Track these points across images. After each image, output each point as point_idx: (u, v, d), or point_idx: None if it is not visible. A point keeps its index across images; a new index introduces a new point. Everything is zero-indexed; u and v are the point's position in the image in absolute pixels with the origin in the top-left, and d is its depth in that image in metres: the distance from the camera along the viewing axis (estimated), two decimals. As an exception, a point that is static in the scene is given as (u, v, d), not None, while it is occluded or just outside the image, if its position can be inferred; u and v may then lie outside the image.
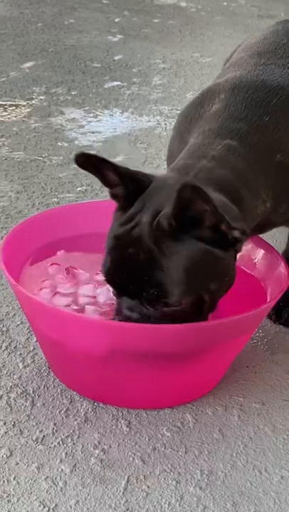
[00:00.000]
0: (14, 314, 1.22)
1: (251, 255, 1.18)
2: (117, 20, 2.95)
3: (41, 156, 1.78)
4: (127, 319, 0.96)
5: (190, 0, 3.38)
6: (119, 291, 0.97)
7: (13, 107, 2.06)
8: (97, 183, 1.66)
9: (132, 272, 0.94)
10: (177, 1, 3.32)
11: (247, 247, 1.18)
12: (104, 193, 1.62)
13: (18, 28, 2.78)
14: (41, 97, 2.14)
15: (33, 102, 2.11)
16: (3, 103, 2.08)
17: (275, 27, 1.31)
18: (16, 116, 2.00)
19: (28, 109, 2.05)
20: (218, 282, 0.97)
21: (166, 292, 0.93)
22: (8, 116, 2.00)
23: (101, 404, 1.05)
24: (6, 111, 2.03)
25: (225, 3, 3.39)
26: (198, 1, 3.40)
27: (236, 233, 0.94)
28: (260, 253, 1.17)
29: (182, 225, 0.91)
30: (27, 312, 1.07)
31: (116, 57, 2.54)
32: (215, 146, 1.03)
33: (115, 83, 2.29)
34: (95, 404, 1.05)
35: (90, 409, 1.04)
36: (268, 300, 1.08)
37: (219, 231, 0.93)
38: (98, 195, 1.62)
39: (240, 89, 1.10)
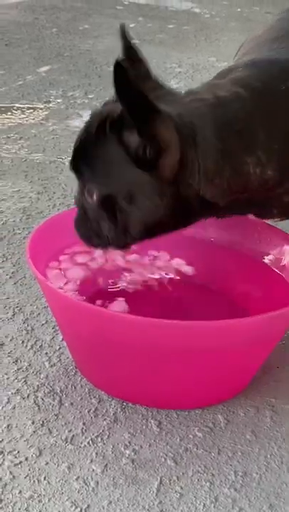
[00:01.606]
0: (39, 314, 1.20)
1: (280, 255, 1.16)
2: (132, 25, 2.94)
3: (60, 158, 1.77)
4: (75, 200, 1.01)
5: (204, 6, 3.38)
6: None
7: (31, 110, 2.05)
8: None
9: (75, 153, 0.98)
10: (191, 7, 3.32)
11: (274, 249, 1.16)
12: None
13: (34, 33, 2.78)
14: (58, 100, 2.13)
15: (51, 105, 2.10)
16: (21, 106, 2.07)
17: (281, 15, 1.29)
18: (34, 119, 1.99)
19: (46, 112, 2.04)
20: (129, 200, 0.94)
21: (84, 176, 0.97)
22: (27, 118, 1.99)
23: (130, 404, 1.03)
24: (23, 113, 2.02)
25: (239, 9, 3.38)
26: (212, 7, 3.40)
27: (132, 141, 0.90)
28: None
29: (119, 126, 0.91)
30: (55, 309, 1.05)
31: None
32: (225, 87, 0.99)
33: (132, 87, 2.28)
34: (124, 404, 1.03)
35: (119, 409, 1.02)
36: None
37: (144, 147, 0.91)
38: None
39: (256, 65, 1.05)
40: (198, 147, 0.93)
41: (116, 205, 0.95)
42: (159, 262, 1.17)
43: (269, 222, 1.18)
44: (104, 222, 0.97)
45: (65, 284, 1.09)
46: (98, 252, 1.13)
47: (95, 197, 0.96)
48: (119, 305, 1.06)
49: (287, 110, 0.99)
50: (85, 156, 0.96)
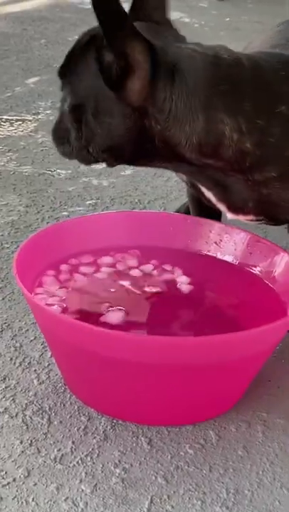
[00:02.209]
0: (27, 330, 1.19)
1: (271, 268, 1.15)
2: (120, 35, 2.94)
3: (49, 170, 1.76)
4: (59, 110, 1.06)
5: (193, 16, 3.38)
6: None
7: (20, 122, 2.04)
8: (107, 196, 1.64)
9: (65, 60, 1.04)
10: (180, 16, 3.32)
11: (265, 261, 1.15)
12: (115, 206, 1.61)
13: (22, 44, 2.77)
14: (47, 112, 2.12)
15: (40, 116, 2.09)
16: (10, 118, 2.06)
17: (280, 27, 1.29)
18: (22, 131, 1.98)
19: (35, 124, 2.03)
20: (95, 114, 0.99)
21: (63, 82, 1.04)
22: (15, 130, 1.98)
23: (120, 422, 1.01)
24: (12, 126, 2.01)
25: (228, 19, 3.39)
26: (201, 17, 3.40)
27: (107, 57, 0.95)
28: (281, 265, 1.14)
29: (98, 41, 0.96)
30: (42, 325, 1.04)
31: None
32: (231, 52, 1.01)
33: (121, 97, 2.27)
34: (114, 421, 1.01)
35: (108, 427, 1.00)
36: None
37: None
38: (108, 207, 1.59)
39: (266, 52, 1.08)
40: (175, 88, 0.96)
41: (83, 116, 1.01)
42: (155, 273, 1.16)
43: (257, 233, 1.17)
44: (73, 131, 1.03)
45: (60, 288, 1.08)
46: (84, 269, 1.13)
47: (66, 104, 1.03)
48: (116, 315, 1.04)
49: (278, 94, 0.99)
50: (69, 63, 1.03)
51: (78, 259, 1.16)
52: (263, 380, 1.11)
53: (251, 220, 1.13)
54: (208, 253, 1.19)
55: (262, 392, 1.09)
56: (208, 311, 1.12)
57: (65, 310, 1.04)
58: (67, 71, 1.03)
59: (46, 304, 1.03)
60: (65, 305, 1.05)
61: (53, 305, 1.04)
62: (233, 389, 1.05)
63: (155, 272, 1.16)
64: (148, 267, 1.16)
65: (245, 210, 1.09)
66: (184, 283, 1.14)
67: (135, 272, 1.15)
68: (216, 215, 1.24)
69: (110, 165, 1.08)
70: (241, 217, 1.12)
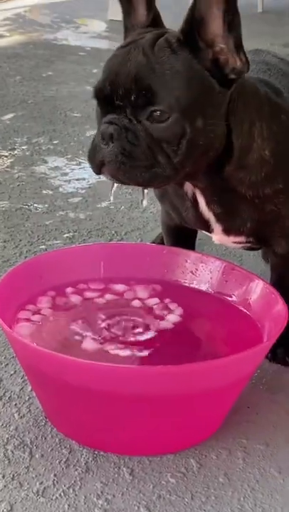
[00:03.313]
0: (7, 364, 1.19)
1: (246, 295, 1.17)
2: (94, 71, 2.98)
3: (26, 205, 1.77)
4: (104, 134, 0.97)
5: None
6: (105, 105, 0.99)
7: (-4, 158, 2.06)
8: (84, 228, 1.66)
9: (123, 81, 0.96)
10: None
11: (241, 288, 1.17)
12: (93, 239, 1.62)
13: (-3, 81, 2.80)
14: (23, 147, 2.14)
15: (16, 152, 2.11)
16: (-14, 154, 2.08)
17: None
18: (-2, 167, 2.00)
19: (11, 160, 2.05)
20: (204, 120, 0.98)
21: (155, 95, 0.95)
22: (-9, 166, 2.00)
23: (102, 453, 1.02)
24: (-12, 161, 2.03)
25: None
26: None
27: (238, 63, 0.98)
28: (256, 291, 1.16)
29: (188, 43, 0.97)
30: (20, 358, 1.05)
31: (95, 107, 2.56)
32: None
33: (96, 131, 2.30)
34: (96, 452, 1.02)
35: (90, 459, 1.01)
36: (265, 340, 1.06)
37: (218, 66, 0.98)
38: (86, 240, 1.61)
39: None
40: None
41: (188, 125, 0.97)
42: (134, 303, 1.17)
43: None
44: (163, 152, 0.97)
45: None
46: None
47: (166, 116, 0.96)
48: (91, 344, 1.05)
49: (281, 106, 1.11)
50: (153, 77, 0.95)
51: (56, 291, 1.17)
52: (242, 407, 1.12)
53: (239, 243, 1.16)
54: (184, 282, 1.21)
55: (241, 419, 1.10)
56: (186, 340, 1.13)
57: (43, 341, 1.05)
58: (150, 86, 0.96)
59: (25, 335, 1.04)
60: (44, 335, 1.06)
61: (32, 338, 1.05)
62: (213, 416, 1.06)
63: (135, 302, 1.17)
64: (127, 295, 1.18)
65: (240, 230, 1.14)
66: (160, 310, 1.15)
67: (113, 301, 1.16)
68: (190, 243, 1.27)
69: (172, 182, 1.05)
70: (231, 239, 1.16)
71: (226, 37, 0.98)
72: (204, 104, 0.99)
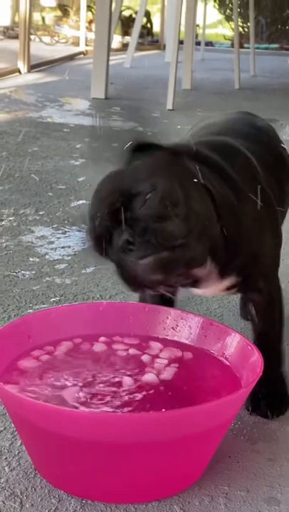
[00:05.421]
0: (-3, 420, 1.24)
1: (223, 348, 1.23)
2: (78, 146, 3.11)
3: (14, 272, 1.84)
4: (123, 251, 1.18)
5: (146, 125, 3.59)
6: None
7: (-16, 228, 2.14)
8: (70, 293, 1.73)
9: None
10: (134, 126, 3.53)
11: (219, 342, 1.23)
12: (78, 302, 1.69)
13: (-16, 157, 2.91)
14: (10, 218, 2.23)
15: (3, 223, 2.19)
16: (-26, 225, 2.16)
17: (237, 115, 1.53)
18: (-13, 237, 2.07)
19: (-1, 230, 2.13)
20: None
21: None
22: (-20, 236, 2.08)
23: (89, 501, 1.06)
24: (-23, 232, 2.11)
25: (178, 127, 3.60)
26: (154, 125, 3.61)
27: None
28: (233, 345, 1.22)
29: None
30: (9, 410, 1.10)
31: (80, 179, 2.67)
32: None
33: (81, 202, 2.40)
34: (83, 501, 1.06)
35: (78, 507, 1.05)
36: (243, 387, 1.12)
37: None
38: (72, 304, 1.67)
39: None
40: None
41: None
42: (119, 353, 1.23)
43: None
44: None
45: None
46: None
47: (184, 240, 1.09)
48: (72, 392, 1.11)
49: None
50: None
51: (44, 349, 1.23)
52: (224, 457, 1.17)
53: (227, 289, 1.24)
54: (166, 338, 1.28)
55: (223, 468, 1.15)
56: (166, 390, 1.18)
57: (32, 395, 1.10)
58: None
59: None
60: (33, 388, 1.12)
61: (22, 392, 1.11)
62: (194, 464, 1.10)
63: (119, 353, 1.23)
64: (111, 349, 1.24)
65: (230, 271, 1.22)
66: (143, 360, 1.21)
67: (99, 357, 1.23)
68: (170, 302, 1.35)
69: None
70: (221, 284, 1.23)
71: None
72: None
